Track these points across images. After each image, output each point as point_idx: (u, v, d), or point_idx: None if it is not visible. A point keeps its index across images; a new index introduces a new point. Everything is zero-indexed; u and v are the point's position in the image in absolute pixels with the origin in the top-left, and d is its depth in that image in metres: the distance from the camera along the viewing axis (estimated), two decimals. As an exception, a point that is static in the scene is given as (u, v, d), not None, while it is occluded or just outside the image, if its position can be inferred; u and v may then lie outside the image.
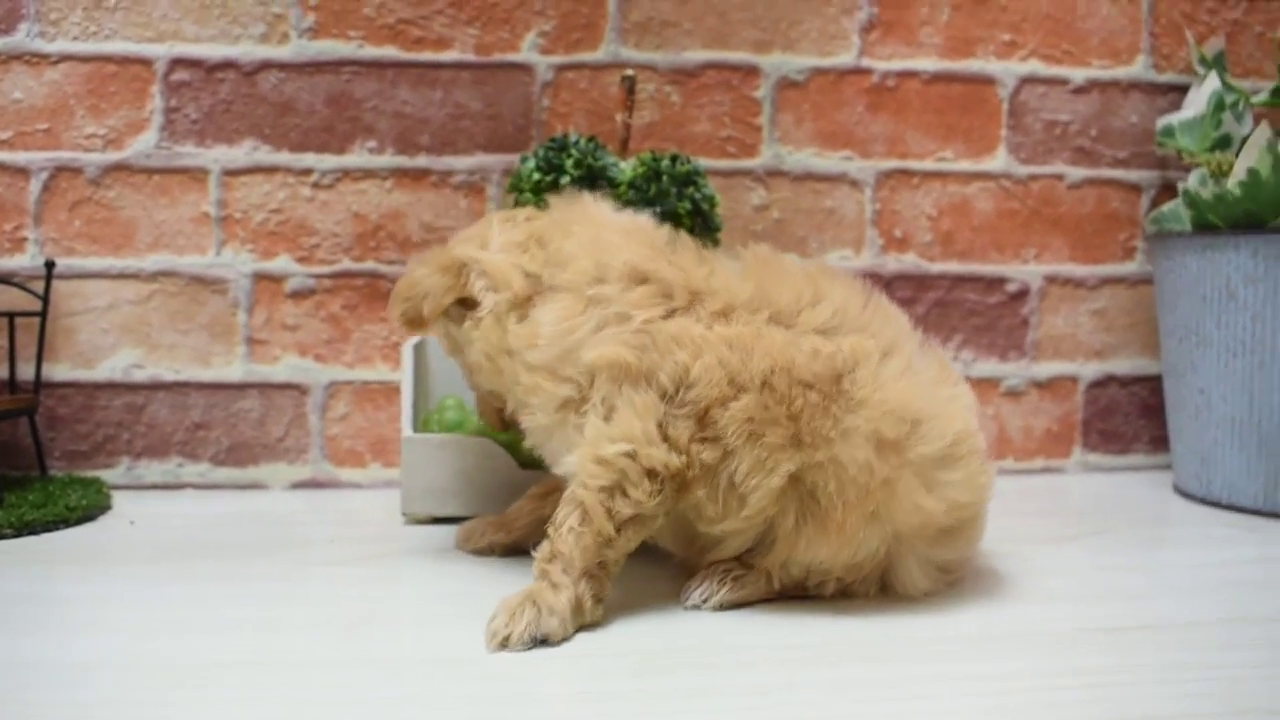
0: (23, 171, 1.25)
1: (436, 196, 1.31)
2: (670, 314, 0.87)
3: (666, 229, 0.95)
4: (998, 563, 1.00)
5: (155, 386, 1.28)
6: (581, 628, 0.82)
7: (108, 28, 1.26)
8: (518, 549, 1.01)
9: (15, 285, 1.22)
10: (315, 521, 1.15)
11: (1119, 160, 1.42)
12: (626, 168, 1.15)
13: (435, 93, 1.31)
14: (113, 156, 1.26)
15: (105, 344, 1.27)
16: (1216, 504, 1.25)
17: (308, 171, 1.29)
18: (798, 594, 0.89)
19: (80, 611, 0.86)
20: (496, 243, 0.95)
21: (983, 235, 1.40)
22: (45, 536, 1.07)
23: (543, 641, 0.79)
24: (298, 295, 1.29)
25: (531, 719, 0.68)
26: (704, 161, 1.31)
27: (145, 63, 1.27)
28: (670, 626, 0.84)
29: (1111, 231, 1.43)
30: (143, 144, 1.27)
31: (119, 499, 1.21)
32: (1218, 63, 1.36)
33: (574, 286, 0.90)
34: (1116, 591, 0.94)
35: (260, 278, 1.28)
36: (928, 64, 1.39)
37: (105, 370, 1.27)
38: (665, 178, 1.13)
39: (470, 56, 1.31)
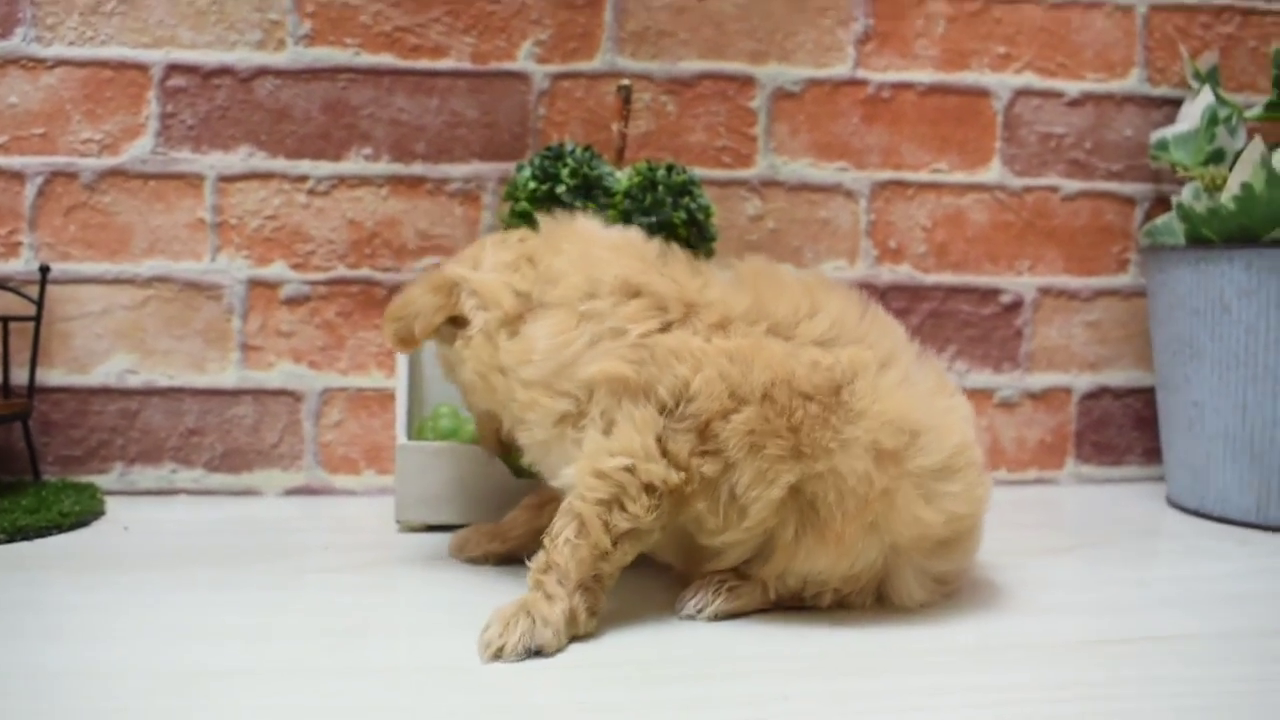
0: (18, 176, 1.25)
1: (432, 204, 1.31)
2: (666, 327, 0.87)
3: (657, 242, 0.95)
4: (993, 574, 1.00)
5: (149, 392, 1.27)
6: (575, 639, 0.82)
7: (104, 33, 1.26)
8: (512, 558, 1.01)
9: (10, 290, 1.22)
10: (309, 528, 1.15)
11: (1113, 173, 1.43)
12: (622, 177, 1.15)
13: (431, 100, 1.31)
14: (108, 162, 1.26)
15: (99, 349, 1.27)
16: (1209, 517, 1.25)
17: (303, 178, 1.29)
18: (794, 605, 0.89)
19: (73, 618, 0.85)
20: (488, 263, 0.96)
21: (977, 247, 1.40)
22: (38, 542, 1.07)
23: (536, 653, 0.79)
24: (292, 302, 1.29)
25: (527, 729, 0.68)
26: (699, 171, 1.31)
27: (141, 68, 1.27)
28: (665, 637, 0.84)
29: (1105, 244, 1.43)
30: (138, 149, 1.27)
31: (112, 505, 1.21)
32: (1211, 77, 1.36)
33: (566, 302, 0.90)
34: (1111, 604, 0.95)
35: (255, 284, 1.28)
36: (923, 76, 1.39)
37: (99, 375, 1.27)
38: (661, 187, 1.13)
39: (466, 65, 1.31)
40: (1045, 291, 1.42)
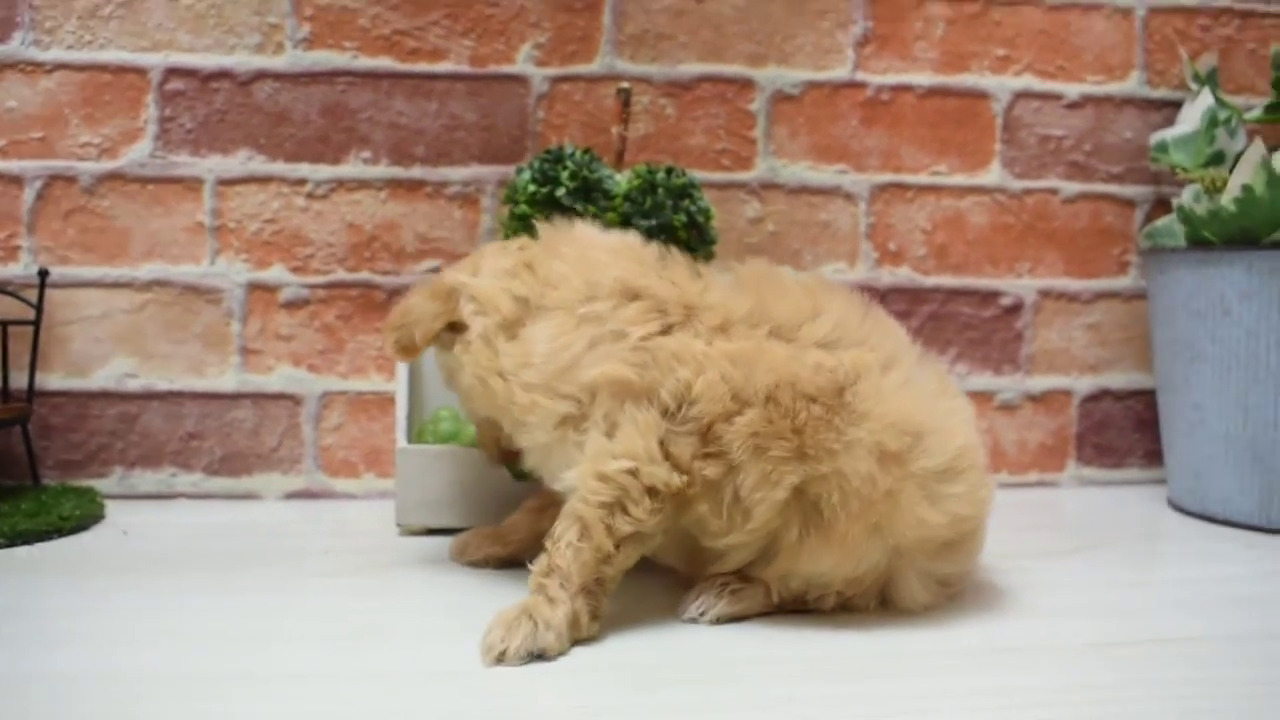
0: (17, 180, 1.25)
1: (431, 207, 1.30)
2: (667, 329, 0.87)
3: (655, 246, 0.95)
4: (996, 577, 1.00)
5: (149, 396, 1.27)
6: (577, 642, 0.82)
7: (102, 37, 1.26)
8: (513, 562, 1.01)
9: (9, 294, 1.22)
10: (309, 532, 1.15)
11: (1113, 175, 1.43)
12: (622, 180, 1.15)
13: (430, 104, 1.30)
14: (107, 165, 1.26)
15: (99, 353, 1.26)
16: (1211, 519, 1.25)
17: (302, 181, 1.29)
18: (797, 607, 0.88)
19: (73, 622, 0.85)
20: (487, 269, 0.96)
21: (977, 249, 1.40)
22: (38, 546, 1.07)
23: (539, 656, 0.79)
24: (292, 305, 1.29)
25: (531, 733, 0.68)
26: (699, 174, 1.31)
27: (140, 72, 1.26)
28: (668, 640, 0.84)
29: (1105, 246, 1.43)
30: (137, 153, 1.26)
31: (112, 509, 1.20)
32: (1211, 79, 1.37)
33: (565, 305, 0.90)
34: (1114, 606, 0.94)
35: (254, 287, 1.28)
36: (922, 78, 1.39)
37: (99, 379, 1.26)
38: (661, 190, 1.13)
39: (465, 68, 1.31)
40: (1045, 294, 1.42)
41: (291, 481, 1.29)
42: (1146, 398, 1.44)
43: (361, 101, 1.29)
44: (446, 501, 1.11)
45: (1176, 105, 1.42)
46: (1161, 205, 1.43)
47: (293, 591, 0.94)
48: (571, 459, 0.87)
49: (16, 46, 1.24)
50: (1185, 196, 1.28)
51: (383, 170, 1.30)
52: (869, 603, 0.89)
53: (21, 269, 1.25)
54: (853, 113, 1.38)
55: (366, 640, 0.83)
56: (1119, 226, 1.43)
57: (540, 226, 0.99)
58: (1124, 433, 1.45)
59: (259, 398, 1.29)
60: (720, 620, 0.87)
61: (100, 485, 1.26)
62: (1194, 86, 1.37)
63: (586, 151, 1.15)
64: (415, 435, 1.20)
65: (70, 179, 1.25)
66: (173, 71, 1.27)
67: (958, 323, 1.40)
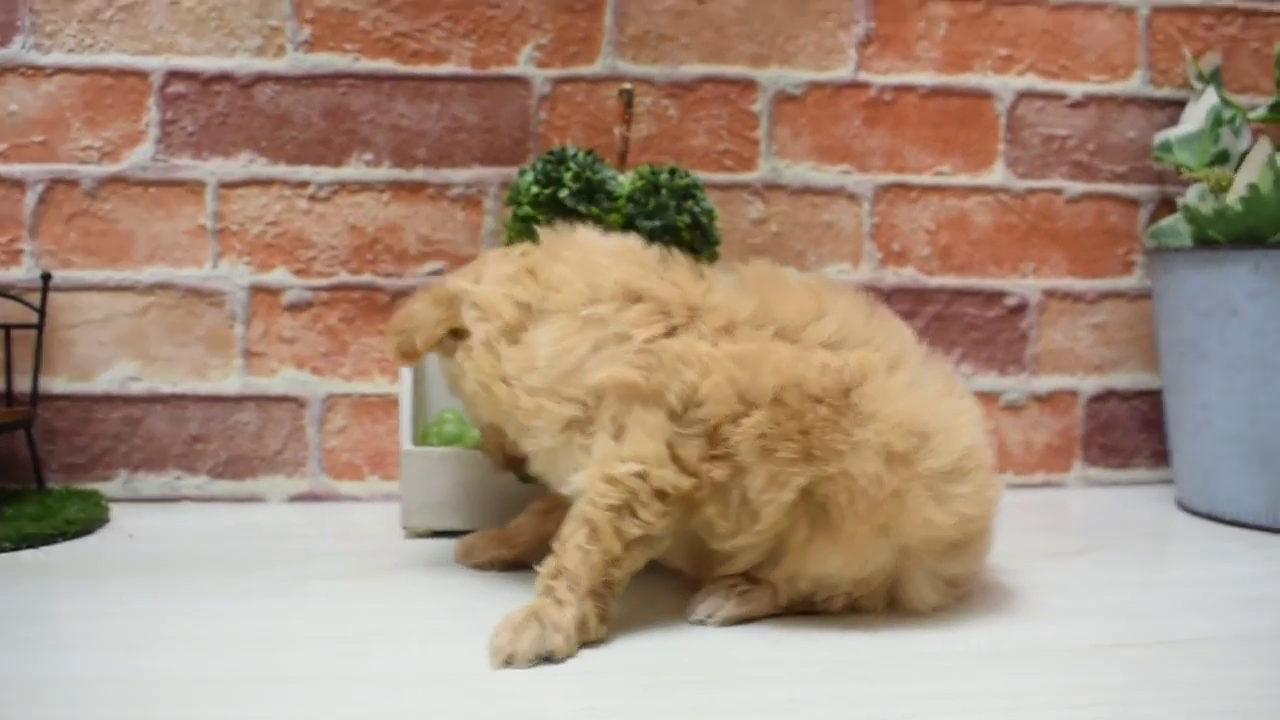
0: (19, 184, 1.25)
1: (434, 209, 1.30)
2: (671, 331, 0.87)
3: (657, 248, 0.95)
4: (1004, 578, 1.00)
5: (152, 399, 1.27)
6: (585, 645, 0.82)
7: (103, 40, 1.25)
8: (519, 564, 1.00)
9: (11, 298, 1.22)
10: (314, 535, 1.14)
11: (1117, 175, 1.42)
12: (625, 181, 1.15)
13: (432, 105, 1.30)
14: (109, 169, 1.26)
15: (102, 356, 1.26)
16: (1219, 519, 1.25)
17: (304, 184, 1.28)
18: (805, 609, 0.88)
19: (78, 626, 0.85)
20: (489, 276, 0.96)
21: (981, 249, 1.40)
22: (43, 550, 1.06)
23: (547, 659, 0.79)
24: (295, 308, 1.28)
25: (539, 736, 0.68)
26: (701, 175, 1.30)
27: (141, 75, 1.26)
28: (676, 642, 0.83)
29: (1110, 246, 1.43)
30: (139, 156, 1.26)
31: (117, 512, 1.20)
32: (1214, 78, 1.36)
33: (568, 308, 0.90)
34: (1123, 607, 0.94)
35: (257, 290, 1.28)
36: (925, 78, 1.39)
37: (102, 383, 1.26)
38: (664, 191, 1.13)
39: (467, 69, 1.31)
40: (1050, 294, 1.41)
41: (296, 484, 1.29)
42: (1152, 398, 1.44)
43: (363, 104, 1.29)
44: (451, 504, 1.11)
45: (1180, 105, 1.42)
46: (1166, 205, 1.43)
47: (299, 594, 0.94)
48: (578, 462, 0.86)
49: (17, 50, 1.24)
50: (1190, 196, 1.27)
51: (385, 172, 1.29)
52: (877, 604, 0.89)
53: (24, 273, 1.25)
54: (855, 113, 1.37)
55: (372, 643, 0.82)
56: (1123, 226, 1.43)
57: (541, 232, 0.99)
58: (1130, 433, 1.44)
59: (263, 400, 1.28)
60: (728, 622, 0.86)
61: (105, 489, 1.26)
62: (1198, 86, 1.37)
63: (589, 153, 1.15)
64: (420, 437, 1.20)
65: (72, 182, 1.25)
66: (174, 74, 1.27)
67: (962, 323, 1.40)
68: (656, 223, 1.11)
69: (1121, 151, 1.42)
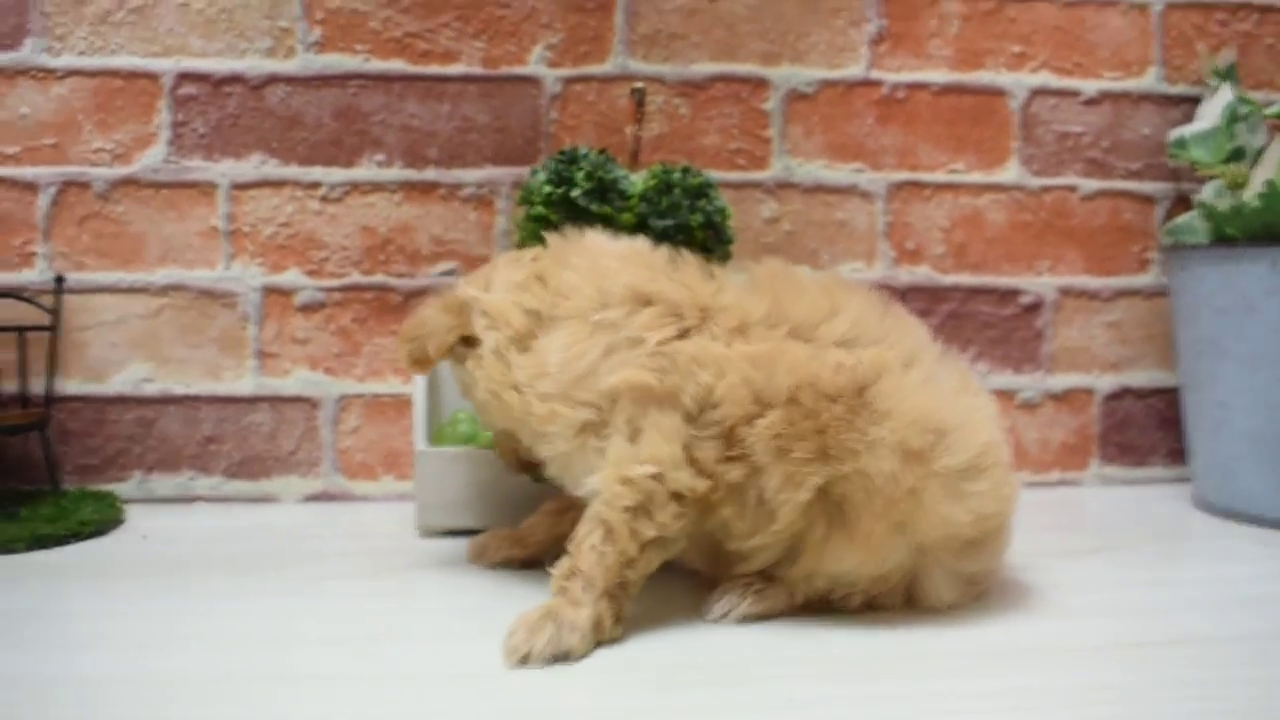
0: (31, 186, 1.25)
1: (445, 209, 1.30)
2: (683, 333, 0.87)
3: (665, 250, 0.95)
4: (1021, 575, 0.99)
5: (166, 400, 1.27)
6: (600, 644, 0.81)
7: (114, 42, 1.26)
8: (532, 564, 1.00)
9: (25, 300, 1.22)
10: (328, 535, 1.14)
11: (1131, 172, 1.42)
12: (638, 180, 1.14)
13: (443, 106, 1.30)
14: (120, 171, 1.26)
15: (115, 358, 1.26)
16: (1237, 517, 1.24)
17: (316, 185, 1.28)
18: (821, 607, 0.88)
19: (93, 626, 0.85)
20: (499, 283, 0.96)
21: (996, 247, 1.39)
22: (58, 551, 1.07)
23: (563, 657, 0.78)
24: (307, 309, 1.28)
25: (555, 735, 0.67)
26: (714, 174, 1.30)
27: (152, 77, 1.26)
28: (692, 640, 0.83)
29: (1125, 243, 1.42)
30: (150, 158, 1.26)
31: (131, 513, 1.20)
32: (1230, 74, 1.35)
33: (578, 314, 0.90)
34: (1141, 606, 0.93)
35: (270, 291, 1.28)
36: (938, 76, 1.38)
37: (116, 384, 1.26)
38: (677, 190, 1.12)
39: (477, 69, 1.30)
40: (1065, 292, 1.41)
41: (310, 484, 1.29)
42: (1169, 396, 1.43)
43: (374, 104, 1.29)
44: (465, 503, 1.11)
45: (1194, 101, 1.41)
46: (1181, 202, 1.42)
47: (312, 594, 0.94)
48: (593, 465, 0.86)
49: (28, 53, 1.24)
50: (1207, 193, 1.27)
51: (396, 173, 1.29)
52: (894, 601, 0.88)
53: (38, 275, 1.25)
54: (868, 111, 1.37)
55: (386, 642, 0.82)
56: (1138, 223, 1.42)
57: (550, 237, 0.99)
58: (1146, 431, 1.43)
59: (276, 401, 1.28)
60: (745, 620, 0.86)
61: (119, 489, 1.26)
62: (1212, 82, 1.36)
63: (601, 152, 1.15)
64: (434, 437, 1.19)
65: (84, 185, 1.25)
66: (185, 76, 1.27)
67: (977, 321, 1.39)
68: (670, 222, 1.11)
69: (1136, 148, 1.42)
